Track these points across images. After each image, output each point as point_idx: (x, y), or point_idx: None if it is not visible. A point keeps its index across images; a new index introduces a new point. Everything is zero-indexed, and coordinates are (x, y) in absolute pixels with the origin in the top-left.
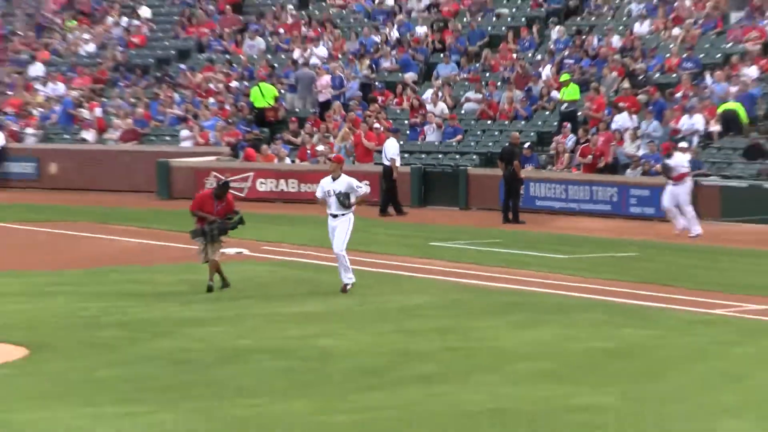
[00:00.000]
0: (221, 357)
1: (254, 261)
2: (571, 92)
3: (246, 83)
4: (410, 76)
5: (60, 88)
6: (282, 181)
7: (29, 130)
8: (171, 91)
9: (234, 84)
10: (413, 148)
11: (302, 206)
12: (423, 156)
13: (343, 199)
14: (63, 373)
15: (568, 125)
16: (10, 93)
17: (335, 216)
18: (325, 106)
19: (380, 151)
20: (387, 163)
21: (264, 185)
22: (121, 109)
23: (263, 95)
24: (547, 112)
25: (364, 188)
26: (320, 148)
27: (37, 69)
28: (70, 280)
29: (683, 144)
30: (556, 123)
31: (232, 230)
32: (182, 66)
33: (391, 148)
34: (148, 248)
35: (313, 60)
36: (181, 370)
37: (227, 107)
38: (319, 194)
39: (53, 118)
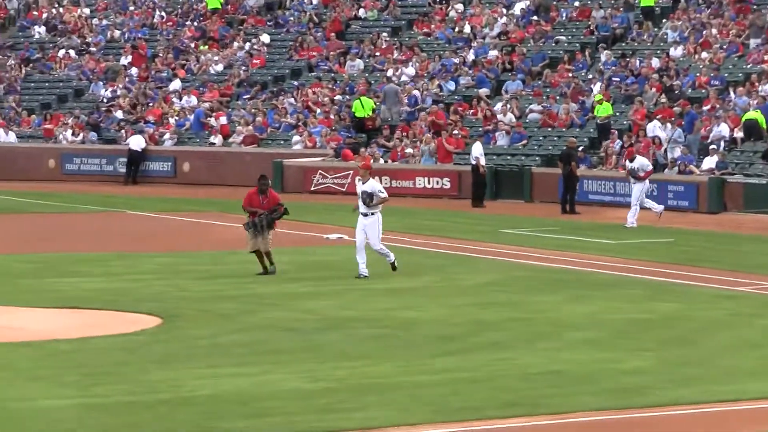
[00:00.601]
0: (324, 325)
1: (353, 245)
2: (605, 109)
3: (347, 97)
4: (484, 91)
5: (193, 100)
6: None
7: (167, 135)
8: (285, 103)
9: (337, 97)
10: (486, 150)
11: (393, 199)
12: (494, 157)
13: (365, 198)
14: (189, 339)
15: (615, 132)
16: (151, 104)
17: (365, 215)
18: (411, 115)
19: (460, 154)
20: (473, 162)
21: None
22: (243, 118)
23: (363, 107)
24: (597, 121)
25: (383, 194)
26: (409, 150)
27: (175, 84)
28: (198, 260)
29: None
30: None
31: (278, 220)
32: (294, 82)
33: (477, 149)
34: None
35: (403, 78)
36: (289, 336)
37: (331, 116)
38: (359, 192)
39: (187, 125)
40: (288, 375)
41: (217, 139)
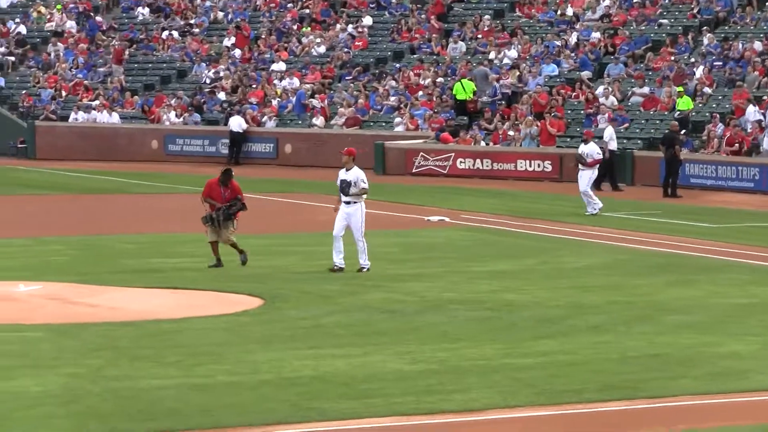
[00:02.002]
0: (426, 307)
1: (455, 227)
2: (685, 102)
3: (449, 79)
4: (586, 74)
5: (295, 82)
6: (478, 160)
7: (265, 117)
8: (387, 85)
9: (439, 80)
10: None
11: (495, 182)
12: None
13: (344, 186)
14: (291, 320)
15: (717, 116)
16: (254, 86)
17: (348, 203)
18: (512, 98)
19: (561, 137)
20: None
21: (463, 164)
22: (345, 99)
23: (464, 89)
24: (701, 105)
25: (364, 185)
26: (510, 133)
27: (277, 66)
28: (299, 241)
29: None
30: (708, 114)
31: (235, 214)
32: (396, 65)
33: (608, 133)
34: (367, 216)
35: (505, 61)
36: (391, 318)
37: (434, 99)
38: (338, 183)
39: (289, 107)
40: (389, 357)
41: (318, 121)
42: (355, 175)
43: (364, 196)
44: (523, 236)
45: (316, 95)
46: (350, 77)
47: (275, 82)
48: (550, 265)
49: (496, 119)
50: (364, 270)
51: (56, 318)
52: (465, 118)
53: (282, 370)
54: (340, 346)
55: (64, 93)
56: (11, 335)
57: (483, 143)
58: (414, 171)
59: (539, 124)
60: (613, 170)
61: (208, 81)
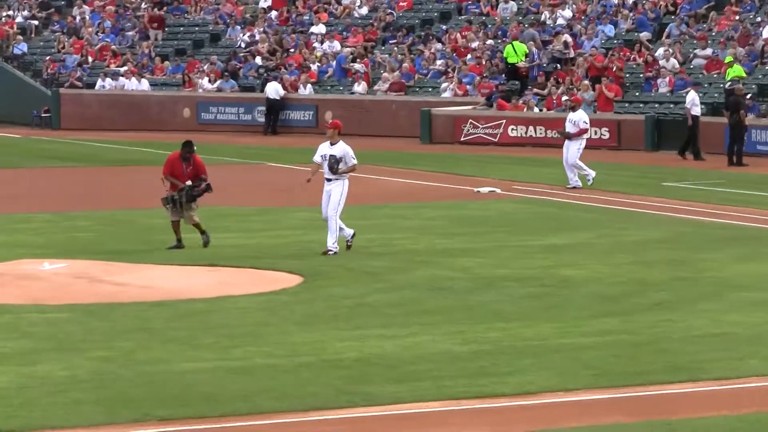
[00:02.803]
0: (477, 284)
1: (507, 199)
2: (736, 71)
3: (500, 41)
4: (645, 35)
5: (336, 45)
6: (531, 127)
7: (301, 84)
8: (433, 48)
9: (489, 42)
10: (647, 98)
11: (549, 150)
12: (656, 106)
13: (333, 163)
14: (333, 299)
15: None
16: (292, 50)
17: (329, 180)
18: (566, 61)
19: (619, 102)
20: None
21: (515, 131)
22: (389, 64)
23: (515, 52)
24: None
25: (354, 161)
26: (565, 98)
27: (317, 29)
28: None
29: None
30: None
31: (198, 197)
32: (443, 26)
33: (689, 98)
34: (413, 187)
35: (559, 21)
36: (441, 295)
37: (483, 63)
38: (317, 159)
39: (329, 72)
40: (438, 337)
41: (360, 87)
42: (343, 149)
43: (350, 173)
44: (580, 208)
45: (358, 59)
46: (394, 40)
47: (314, 45)
48: (609, 238)
49: (550, 83)
50: (330, 253)
51: (83, 298)
52: (516, 82)
53: (324, 352)
54: (386, 326)
55: (90, 59)
56: (36, 316)
57: (536, 109)
58: (462, 139)
59: (596, 88)
60: (696, 138)
61: (243, 45)
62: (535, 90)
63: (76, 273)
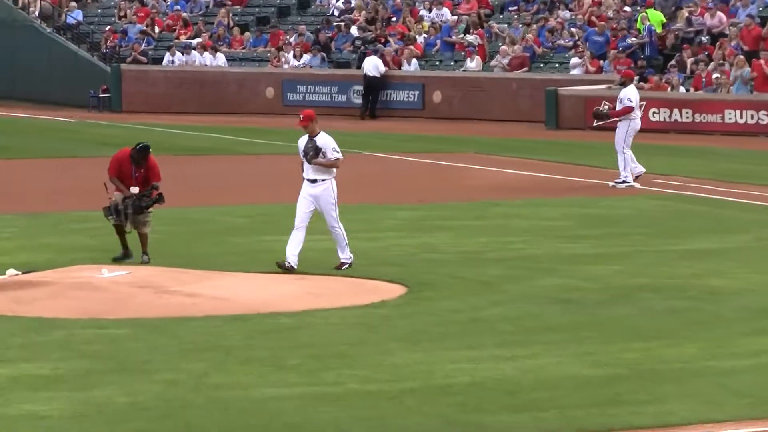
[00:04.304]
0: (610, 296)
1: (645, 194)
2: None
3: (638, 8)
4: None
5: (445, 13)
6: (675, 110)
7: (406, 60)
8: (560, 17)
9: (626, 9)
10: None
11: (697, 137)
12: None
13: (309, 149)
14: (442, 313)
15: None
16: (394, 19)
17: (313, 181)
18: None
19: None
20: None
21: (657, 115)
22: (508, 35)
23: (650, 22)
24: None
25: (337, 154)
26: (716, 75)
27: None
28: (448, 213)
29: None
30: None
31: (148, 209)
32: None
33: None
34: (534, 181)
35: None
36: (567, 309)
37: (618, 34)
38: (301, 154)
39: (438, 45)
40: (564, 359)
41: (474, 63)
42: (324, 140)
43: (335, 170)
44: (733, 206)
45: (472, 30)
46: (515, 7)
47: (421, 13)
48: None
49: (689, 61)
50: (345, 266)
51: (147, 311)
52: (659, 57)
53: (430, 375)
54: (503, 346)
55: (156, 29)
56: (92, 333)
57: (682, 89)
58: (595, 124)
59: (753, 64)
60: None
61: (336, 13)
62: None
63: (140, 282)
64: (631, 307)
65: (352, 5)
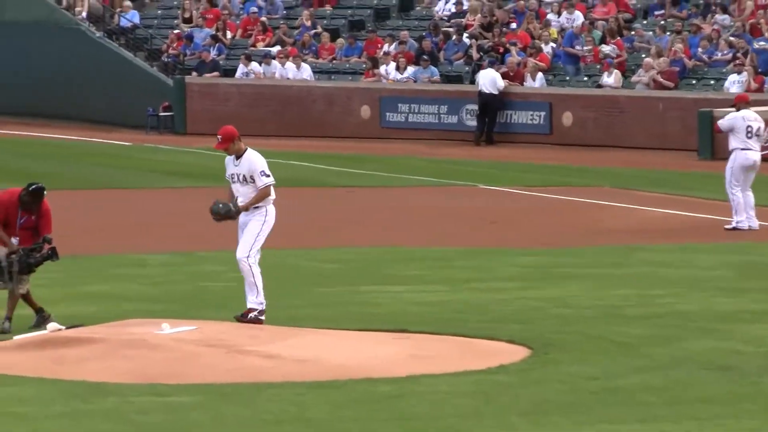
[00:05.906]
0: None
1: None
2: None
3: None
4: None
5: (577, 17)
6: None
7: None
8: (717, 23)
9: None
10: None
11: None
12: None
13: (242, 183)
14: (573, 380)
15: None
16: (515, 25)
17: (247, 209)
18: None
19: None
20: None
21: None
22: (653, 45)
23: None
24: None
25: (268, 179)
26: None
27: None
28: (580, 260)
29: None
30: None
31: (37, 266)
32: None
33: None
34: (685, 222)
35: None
36: (726, 378)
37: None
38: (227, 178)
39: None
40: None
41: (612, 78)
42: (250, 164)
43: (270, 198)
44: None
45: (609, 39)
46: (660, 11)
47: (548, 17)
48: None
49: None
50: (252, 315)
51: (216, 375)
52: None
53: None
54: (648, 421)
55: (229, 34)
56: (149, 400)
57: None
58: (763, 153)
59: None
60: None
61: (446, 17)
62: None
63: (208, 339)
64: None
65: (465, 7)
